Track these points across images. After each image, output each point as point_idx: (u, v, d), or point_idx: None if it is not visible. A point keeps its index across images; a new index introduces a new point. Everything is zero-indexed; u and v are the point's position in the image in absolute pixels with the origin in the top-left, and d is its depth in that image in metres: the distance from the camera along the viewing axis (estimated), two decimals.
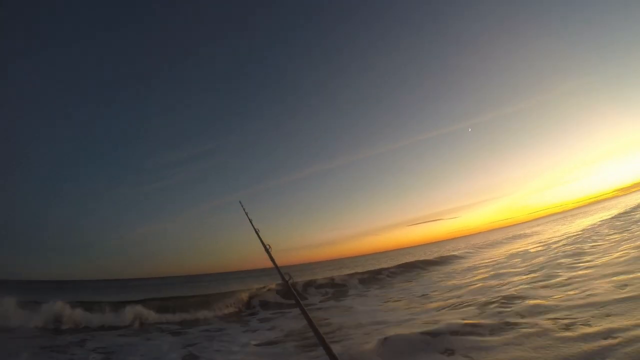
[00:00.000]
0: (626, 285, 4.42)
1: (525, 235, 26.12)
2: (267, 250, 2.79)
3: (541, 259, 9.35)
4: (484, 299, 5.49)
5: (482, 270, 10.39)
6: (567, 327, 3.42)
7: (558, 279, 5.93)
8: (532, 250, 12.79)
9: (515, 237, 26.95)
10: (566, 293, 4.83)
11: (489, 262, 12.88)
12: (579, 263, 7.10)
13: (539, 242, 15.61)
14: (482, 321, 4.22)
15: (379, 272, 15.73)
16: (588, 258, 7.39)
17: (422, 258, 20.43)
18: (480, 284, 7.37)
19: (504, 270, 8.94)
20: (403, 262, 19.11)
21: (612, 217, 17.01)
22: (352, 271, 17.04)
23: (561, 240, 13.33)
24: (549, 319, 3.81)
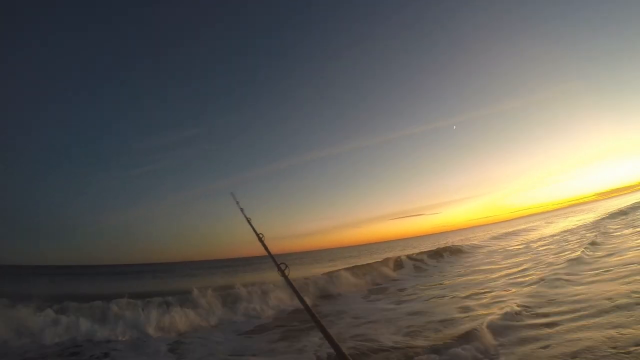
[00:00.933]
0: None
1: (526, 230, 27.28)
2: (260, 239, 2.78)
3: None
4: None
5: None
6: None
7: None
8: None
9: (512, 233, 27.56)
10: None
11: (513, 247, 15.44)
12: None
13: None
14: None
15: (437, 252, 17.25)
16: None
17: (432, 248, 20.70)
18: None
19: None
20: (429, 249, 19.38)
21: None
22: (399, 254, 17.56)
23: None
24: None
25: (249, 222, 3.18)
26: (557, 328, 3.73)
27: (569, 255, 8.59)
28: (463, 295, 6.66)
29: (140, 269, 32.35)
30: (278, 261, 2.19)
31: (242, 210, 3.59)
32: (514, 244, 17.70)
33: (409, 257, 14.86)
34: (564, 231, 17.81)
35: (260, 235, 2.77)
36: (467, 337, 3.81)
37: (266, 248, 2.58)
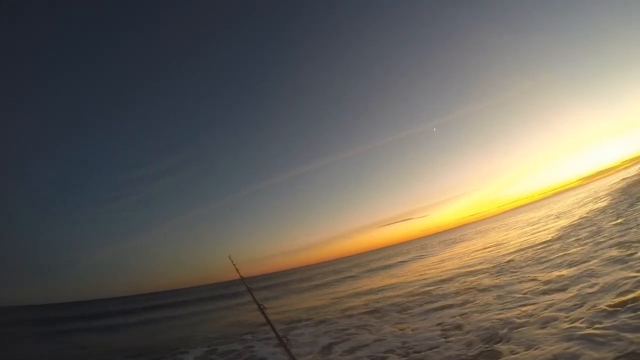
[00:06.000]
0: None
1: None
2: (261, 310, 3.64)
3: None
4: None
5: None
6: None
7: None
8: None
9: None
10: None
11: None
12: None
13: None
14: None
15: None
16: None
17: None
18: None
19: None
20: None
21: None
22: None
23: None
24: None
25: (250, 291, 4.06)
26: None
27: None
28: None
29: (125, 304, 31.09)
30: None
31: (242, 279, 4.48)
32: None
33: None
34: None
35: (262, 307, 3.61)
36: None
37: (268, 320, 3.41)
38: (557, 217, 17.67)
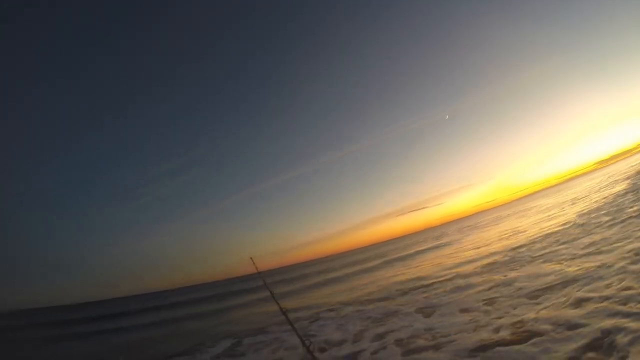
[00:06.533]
0: None
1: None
2: (284, 313, 3.58)
3: None
4: None
5: None
6: None
7: None
8: None
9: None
10: None
11: None
12: None
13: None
14: None
15: None
16: None
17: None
18: None
19: None
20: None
21: None
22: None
23: None
24: None
25: (272, 296, 4.01)
26: None
27: None
28: None
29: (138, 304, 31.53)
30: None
31: (266, 286, 4.39)
32: None
33: None
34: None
35: (284, 310, 3.55)
36: None
37: (291, 323, 3.35)
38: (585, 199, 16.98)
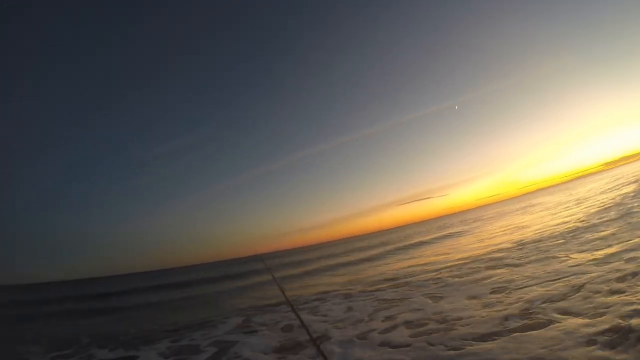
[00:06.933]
0: None
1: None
2: (294, 310, 3.55)
3: None
4: None
5: None
6: None
7: None
8: None
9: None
10: None
11: None
12: None
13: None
14: None
15: None
16: None
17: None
18: None
19: None
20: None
21: None
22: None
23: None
24: None
25: (283, 292, 3.97)
26: None
27: None
28: None
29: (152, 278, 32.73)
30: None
31: (283, 292, 4.28)
32: None
33: None
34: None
35: (294, 307, 3.53)
36: None
37: (300, 318, 3.01)
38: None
